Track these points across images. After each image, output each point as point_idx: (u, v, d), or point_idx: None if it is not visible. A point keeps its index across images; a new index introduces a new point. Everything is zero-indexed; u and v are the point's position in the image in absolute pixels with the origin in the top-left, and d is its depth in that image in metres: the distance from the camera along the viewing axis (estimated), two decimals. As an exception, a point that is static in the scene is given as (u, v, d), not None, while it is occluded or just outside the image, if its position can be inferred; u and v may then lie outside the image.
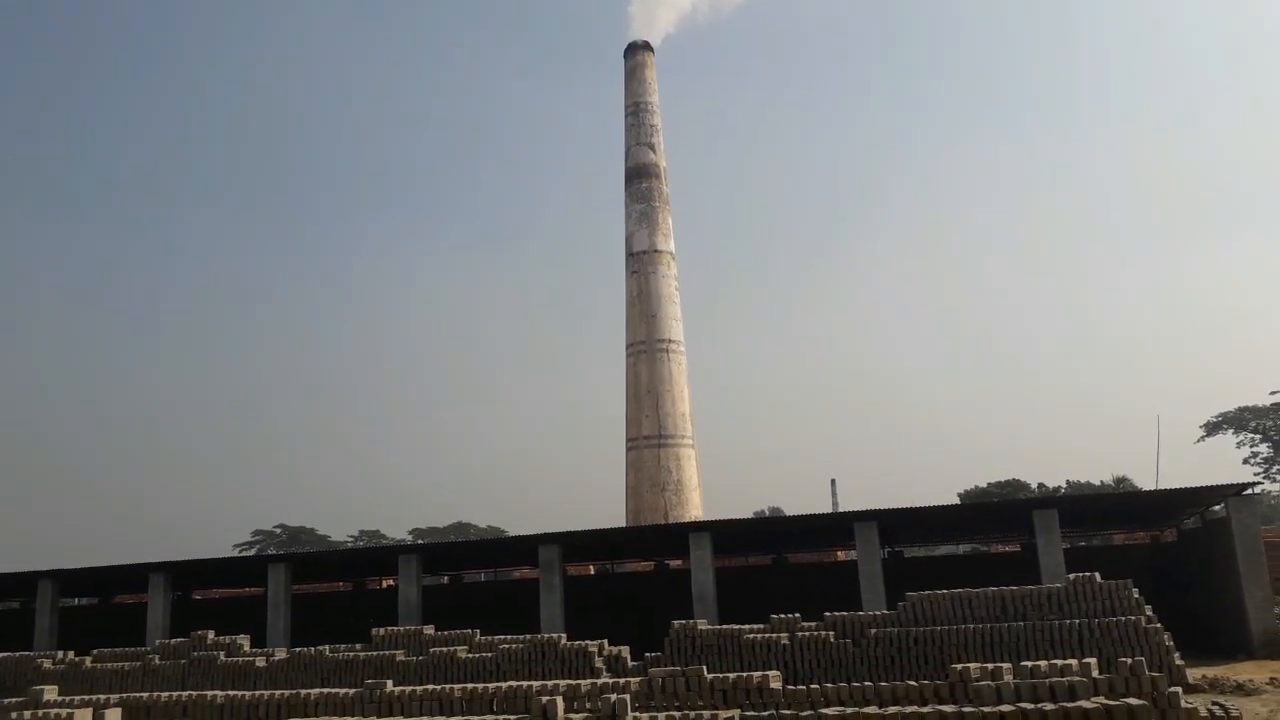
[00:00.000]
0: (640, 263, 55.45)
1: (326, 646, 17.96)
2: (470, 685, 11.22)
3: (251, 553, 69.71)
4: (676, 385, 57.10)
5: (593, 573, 39.22)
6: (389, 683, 11.38)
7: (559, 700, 8.18)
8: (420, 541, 64.08)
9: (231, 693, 11.99)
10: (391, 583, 32.45)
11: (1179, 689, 9.97)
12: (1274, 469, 74.51)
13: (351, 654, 17.50)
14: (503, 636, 17.57)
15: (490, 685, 11.22)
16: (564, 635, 17.31)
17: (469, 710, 10.08)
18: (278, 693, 11.62)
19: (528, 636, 17.38)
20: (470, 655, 16.76)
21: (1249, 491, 21.12)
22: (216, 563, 31.36)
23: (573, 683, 10.98)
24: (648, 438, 55.90)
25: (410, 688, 11.32)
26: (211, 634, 19.36)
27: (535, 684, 11.08)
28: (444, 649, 17.06)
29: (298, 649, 18.22)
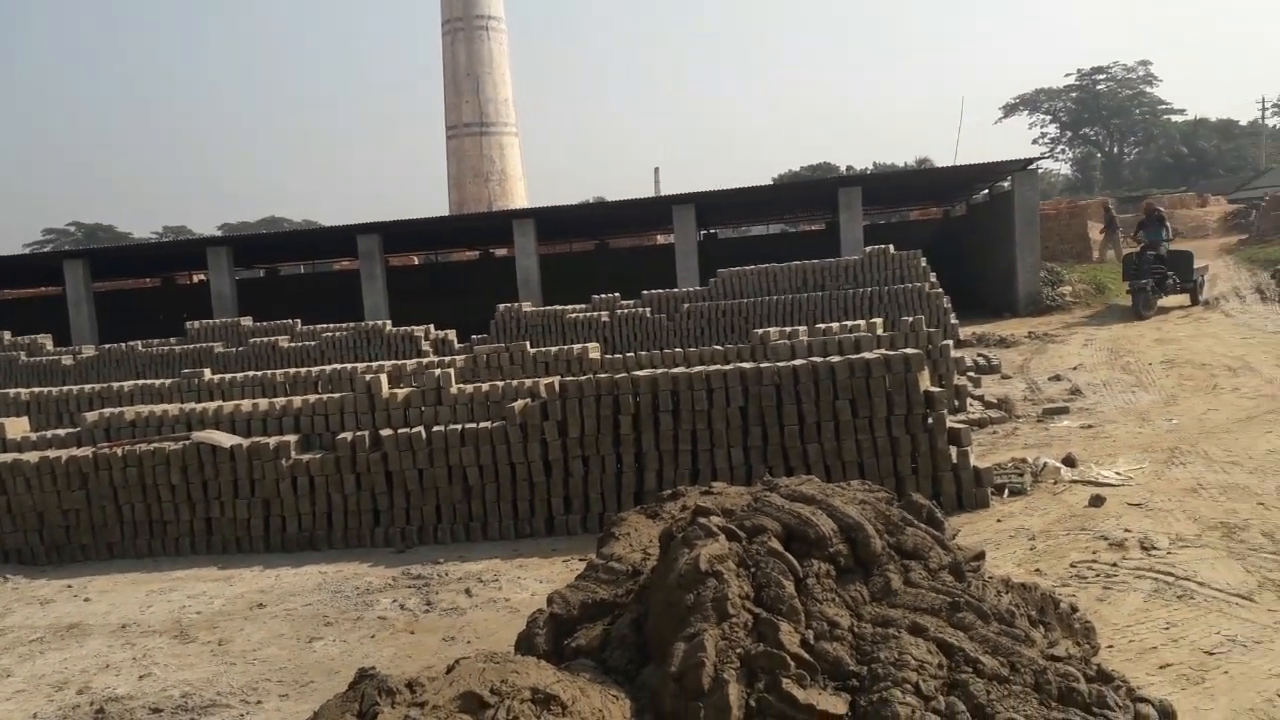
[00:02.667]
0: (450, -73, 50.53)
1: (139, 342, 17.48)
2: (293, 370, 11.29)
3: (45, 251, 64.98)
4: (498, 68, 54.35)
5: (417, 263, 39.02)
6: (206, 371, 11.31)
7: (383, 377, 8.38)
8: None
9: (37, 389, 11.62)
10: (202, 277, 31.33)
11: (950, 342, 11.22)
12: (1059, 148, 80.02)
13: (166, 348, 17.14)
14: (325, 325, 17.55)
15: (315, 369, 11.33)
16: (388, 322, 17.46)
17: (293, 392, 10.23)
18: (88, 386, 11.35)
19: (352, 324, 17.43)
20: (292, 344, 16.74)
21: (1033, 167, 22.73)
22: (4, 260, 29.16)
23: (398, 362, 11.25)
24: (468, 125, 53.83)
25: (231, 375, 11.30)
26: (8, 334, 18.41)
27: (360, 365, 11.27)
28: (264, 339, 16.93)
29: (107, 346, 17.66)
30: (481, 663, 3.09)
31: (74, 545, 7.86)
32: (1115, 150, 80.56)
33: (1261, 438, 8.10)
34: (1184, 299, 18.93)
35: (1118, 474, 7.35)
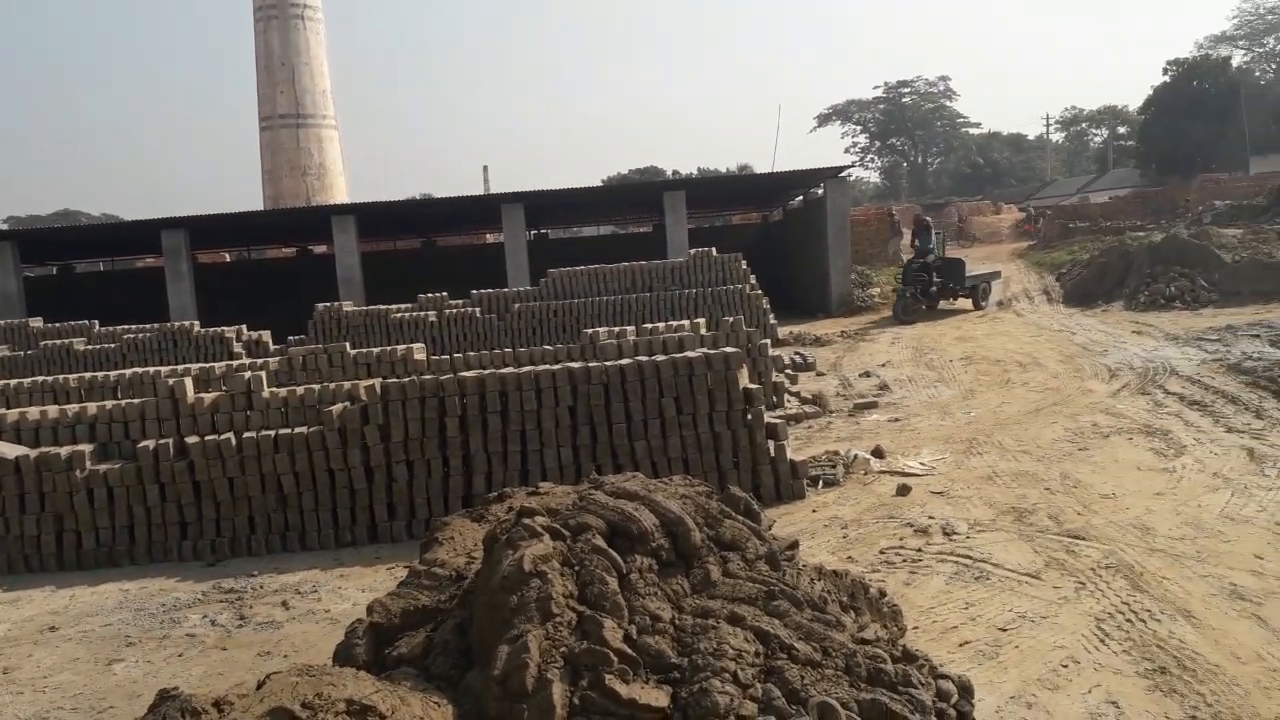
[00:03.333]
0: (262, -91, 48.29)
1: (-95, 346, 15.80)
2: (89, 374, 10.48)
3: None
4: (315, 58, 52.33)
5: (229, 260, 37.09)
6: (-11, 377, 10.35)
7: (188, 381, 7.90)
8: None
9: None
10: (-17, 276, 28.64)
11: (768, 341, 11.64)
12: (868, 157, 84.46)
13: (-61, 353, 15.56)
14: (127, 326, 16.41)
15: (114, 373, 10.56)
16: (196, 323, 16.50)
17: (88, 398, 9.50)
18: None
19: (156, 325, 16.37)
20: (90, 347, 15.54)
21: (844, 175, 23.87)
22: None
23: (206, 365, 10.63)
24: (284, 117, 51.59)
25: (18, 380, 10.37)
26: None
27: (165, 368, 10.59)
28: (57, 341, 15.66)
29: None
30: (295, 676, 2.97)
31: None
32: (920, 160, 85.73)
33: (1048, 428, 8.81)
34: (967, 303, 19.92)
35: (922, 464, 7.83)
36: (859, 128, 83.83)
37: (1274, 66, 57.04)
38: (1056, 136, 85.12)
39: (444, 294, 17.30)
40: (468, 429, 7.31)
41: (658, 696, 3.12)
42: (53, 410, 7.90)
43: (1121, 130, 71.75)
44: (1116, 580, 5.12)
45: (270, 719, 2.62)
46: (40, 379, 10.38)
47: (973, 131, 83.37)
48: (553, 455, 7.27)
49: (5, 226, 65.43)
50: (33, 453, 7.20)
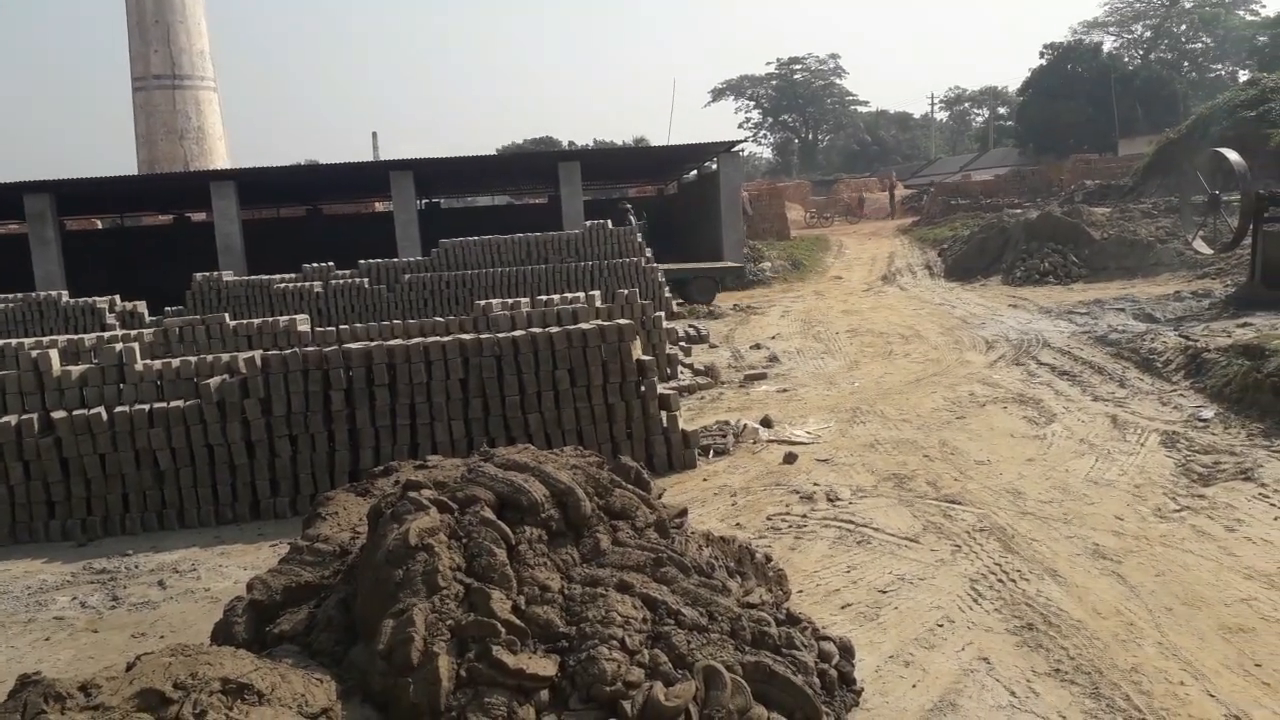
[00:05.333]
0: None
1: None
2: (-58, 347, 9.81)
3: None
4: (191, 16, 49.88)
5: (100, 227, 35.25)
6: None
7: (54, 353, 7.48)
8: None
9: None
10: None
11: (663, 313, 11.70)
12: (761, 133, 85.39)
13: None
14: (-15, 296, 15.43)
15: (-30, 346, 9.92)
16: (65, 293, 15.63)
17: (-58, 372, 8.90)
18: None
19: (20, 295, 15.44)
20: (-57, 318, 14.57)
21: (736, 149, 24.09)
22: None
23: (74, 337, 10.09)
24: (158, 78, 49.07)
25: None
26: None
27: (29, 340, 10.00)
28: (-94, 312, 14.62)
29: None
30: (168, 657, 2.86)
31: None
32: (810, 136, 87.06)
33: (927, 397, 9.12)
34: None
35: (808, 433, 8.02)
36: (752, 103, 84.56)
37: (1141, 52, 59.92)
38: (941, 116, 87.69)
39: (330, 264, 16.80)
40: (354, 402, 7.14)
41: (545, 665, 3.13)
42: (-99, 385, 7.38)
43: (1002, 110, 74.31)
44: (990, 543, 5.35)
45: (139, 700, 2.52)
46: (-113, 352, 9.67)
47: (861, 109, 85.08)
48: (443, 429, 7.17)
49: None
50: (-121, 430, 6.72)
